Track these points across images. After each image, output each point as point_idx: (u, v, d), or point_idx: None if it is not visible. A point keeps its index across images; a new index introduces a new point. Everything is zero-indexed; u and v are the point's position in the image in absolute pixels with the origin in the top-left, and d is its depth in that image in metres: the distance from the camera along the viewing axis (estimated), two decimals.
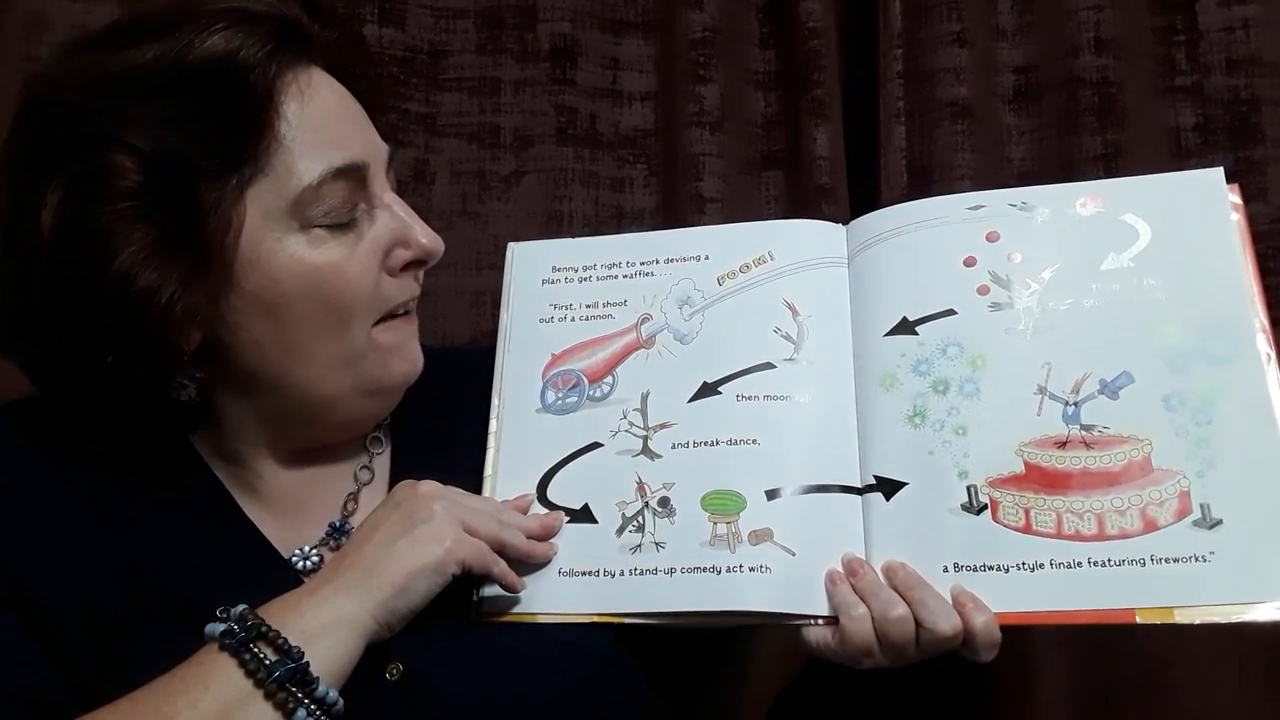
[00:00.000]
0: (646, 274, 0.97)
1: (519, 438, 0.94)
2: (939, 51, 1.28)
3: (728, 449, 0.89)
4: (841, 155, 1.28)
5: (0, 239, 0.82)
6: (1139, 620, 0.78)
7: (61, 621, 0.80)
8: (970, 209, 0.92)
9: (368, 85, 0.92)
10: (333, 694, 0.75)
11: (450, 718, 0.81)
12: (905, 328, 0.89)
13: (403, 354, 0.90)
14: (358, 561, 0.80)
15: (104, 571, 0.82)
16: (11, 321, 0.84)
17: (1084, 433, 0.83)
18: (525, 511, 0.90)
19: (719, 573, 0.85)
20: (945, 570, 0.82)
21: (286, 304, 0.83)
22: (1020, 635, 0.89)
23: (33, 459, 0.86)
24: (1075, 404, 0.84)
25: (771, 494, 0.86)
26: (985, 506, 0.83)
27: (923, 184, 1.26)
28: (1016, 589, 0.80)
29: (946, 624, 0.79)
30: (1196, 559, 0.78)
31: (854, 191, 1.28)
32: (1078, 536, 0.81)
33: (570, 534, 0.89)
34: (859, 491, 0.87)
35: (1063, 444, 0.83)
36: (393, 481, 0.91)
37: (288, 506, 0.91)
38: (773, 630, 0.87)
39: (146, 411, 0.85)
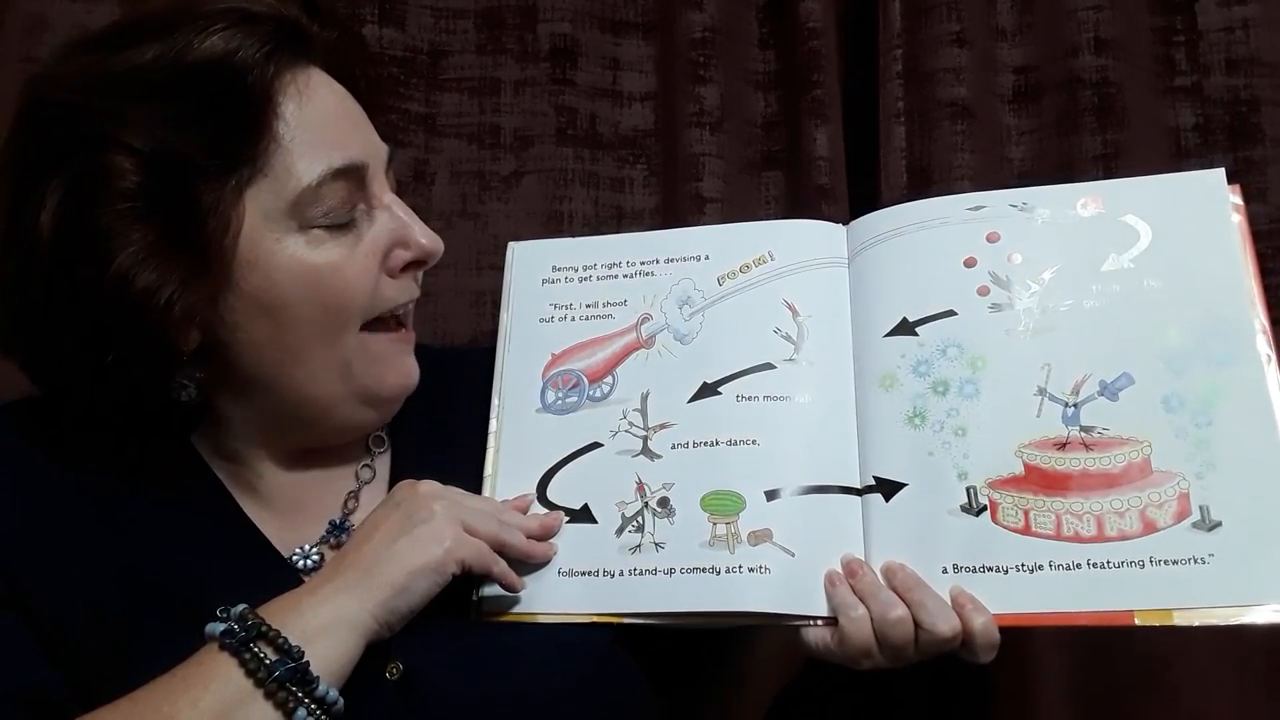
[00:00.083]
0: (646, 274, 0.97)
1: (519, 438, 0.94)
2: (939, 52, 1.28)
3: (727, 449, 0.89)
4: (841, 155, 1.28)
5: (0, 239, 0.82)
6: (1138, 622, 0.78)
7: (62, 621, 0.80)
8: (970, 209, 0.92)
9: (367, 85, 0.92)
10: (333, 693, 0.75)
11: (450, 717, 0.81)
12: (905, 328, 0.89)
13: (396, 367, 0.90)
14: (358, 561, 0.80)
15: (104, 571, 0.82)
16: (11, 321, 0.84)
17: (1083, 434, 0.83)
18: (525, 511, 0.90)
19: (718, 573, 0.85)
20: (944, 571, 0.82)
21: (285, 305, 0.83)
22: (1020, 636, 0.89)
23: (33, 459, 0.86)
24: (1075, 405, 0.84)
25: (771, 494, 0.87)
26: (985, 508, 0.83)
27: (922, 184, 1.26)
28: (1016, 590, 0.80)
29: (945, 625, 0.79)
30: (1196, 561, 0.78)
31: (854, 192, 1.28)
32: (1077, 538, 0.81)
33: (570, 534, 0.89)
34: (858, 492, 0.87)
35: (1062, 445, 0.83)
36: (393, 481, 0.91)
37: (288, 506, 0.91)
38: (772, 631, 0.87)
39: (146, 411, 0.85)
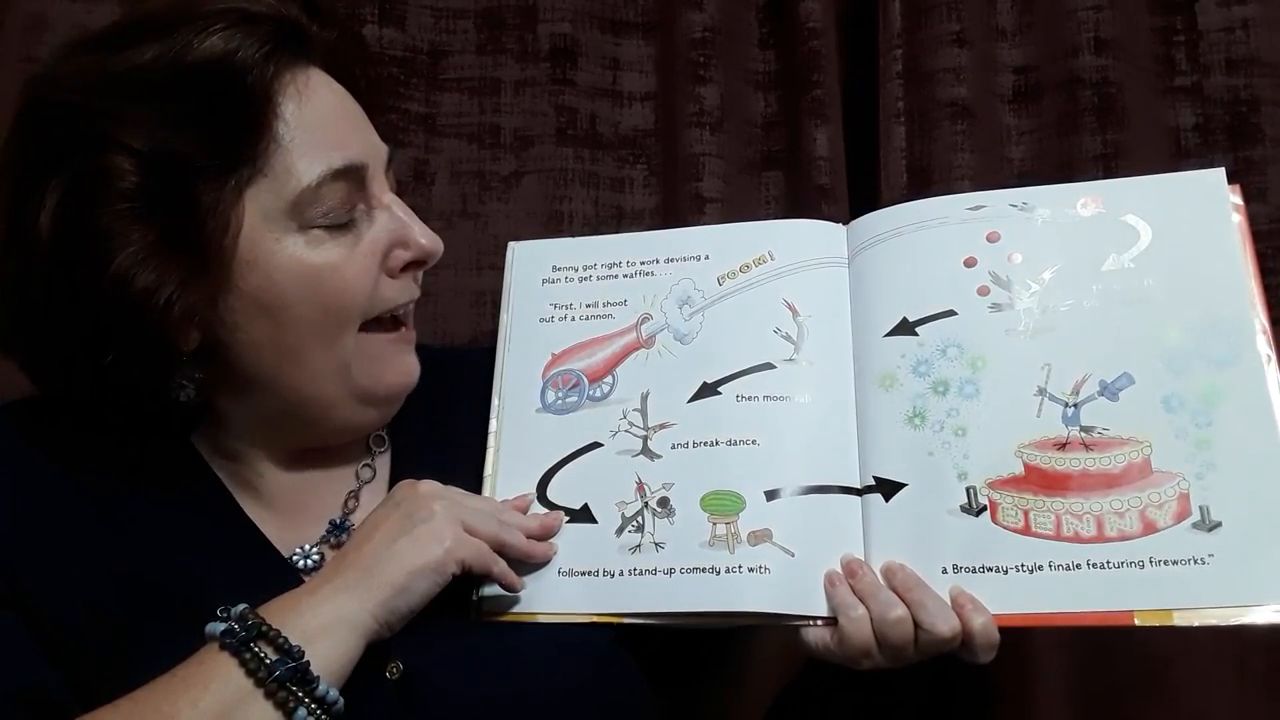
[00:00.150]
0: (646, 274, 0.97)
1: (519, 437, 0.94)
2: (939, 52, 1.28)
3: (727, 449, 0.89)
4: (841, 155, 1.28)
5: (0, 239, 0.82)
6: (1138, 622, 0.78)
7: (62, 621, 0.80)
8: (970, 209, 0.92)
9: (367, 85, 0.92)
10: (333, 693, 0.75)
11: (450, 717, 0.81)
12: (905, 328, 0.89)
13: (396, 366, 0.90)
14: (358, 561, 0.80)
15: (104, 571, 0.82)
16: (11, 321, 0.84)
17: (1083, 434, 0.83)
18: (525, 511, 0.90)
19: (718, 573, 0.85)
20: (944, 571, 0.82)
21: (285, 305, 0.83)
22: (1019, 636, 0.89)
23: (33, 459, 0.86)
24: (1075, 405, 0.84)
25: (771, 494, 0.87)
26: (984, 508, 0.83)
27: (922, 184, 1.26)
28: (1015, 590, 0.80)
29: (945, 625, 0.79)
30: (1195, 561, 0.78)
31: (854, 192, 1.28)
32: (1077, 538, 0.81)
33: (570, 534, 0.89)
34: (858, 492, 0.87)
35: (1062, 445, 0.83)
36: (393, 480, 0.91)
37: (288, 506, 0.91)
38: (771, 631, 0.87)
39: (146, 411, 0.85)
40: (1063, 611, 0.80)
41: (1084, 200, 0.90)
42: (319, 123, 0.84)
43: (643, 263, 0.98)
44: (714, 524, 0.87)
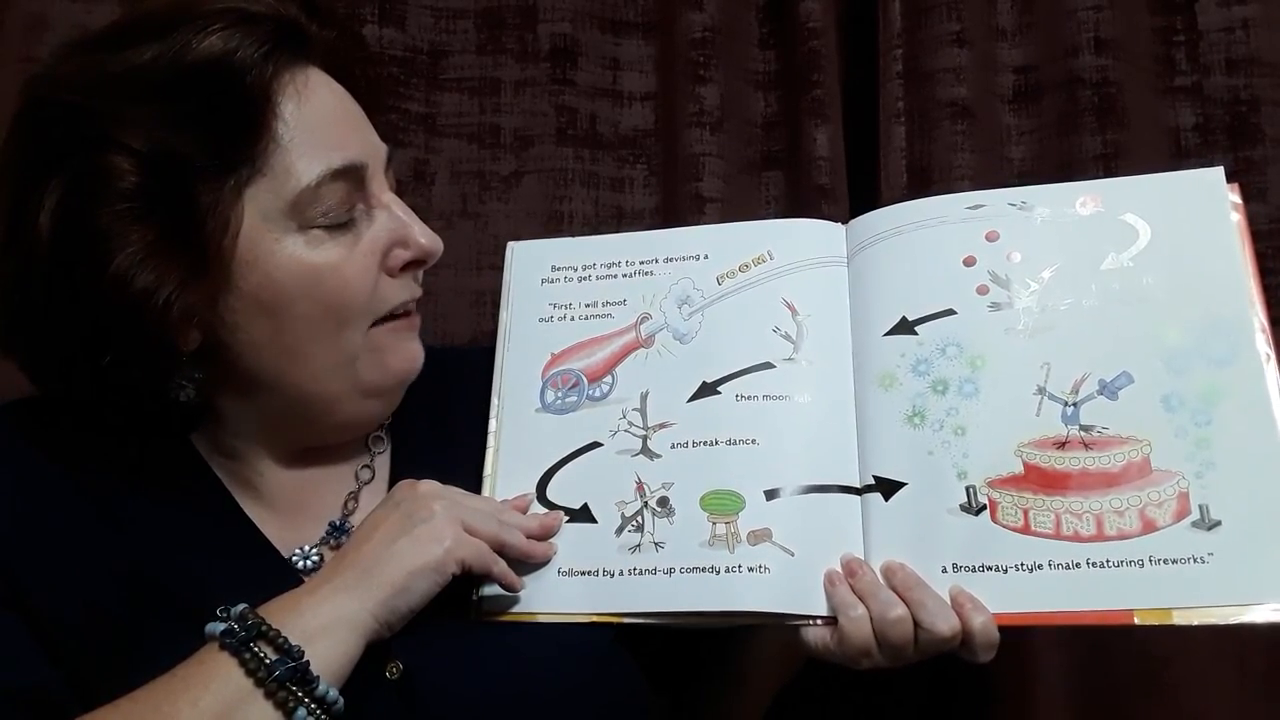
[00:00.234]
0: (646, 273, 0.97)
1: (518, 437, 0.94)
2: (939, 51, 1.28)
3: (727, 449, 0.89)
4: (841, 155, 1.28)
5: (0, 239, 0.82)
6: (1137, 621, 0.78)
7: (62, 621, 0.80)
8: (970, 209, 0.92)
9: (367, 85, 0.92)
10: (333, 693, 0.75)
11: (450, 717, 0.81)
12: (904, 327, 0.89)
13: (400, 352, 0.90)
14: (358, 560, 0.80)
15: (104, 571, 0.82)
16: (11, 321, 0.84)
17: (1083, 433, 0.83)
18: (525, 511, 0.90)
19: (718, 573, 0.85)
20: (944, 571, 0.82)
21: (285, 304, 0.83)
22: (1019, 636, 0.89)
23: (33, 459, 0.86)
24: (1074, 404, 0.84)
25: (770, 494, 0.87)
26: (984, 507, 0.83)
27: (922, 184, 1.26)
28: (1015, 590, 0.80)
29: (945, 625, 0.79)
30: (1195, 560, 0.78)
31: (854, 191, 1.28)
32: (1076, 537, 0.81)
33: (570, 534, 0.89)
34: (858, 491, 0.87)
35: (1062, 444, 0.83)
36: (393, 481, 0.91)
37: (288, 506, 0.91)
38: (771, 630, 0.87)
39: (146, 411, 0.86)
40: (1062, 610, 0.80)
41: (1083, 199, 0.90)
42: (318, 122, 0.84)
43: (642, 262, 0.98)
44: (714, 523, 0.87)
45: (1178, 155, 1.27)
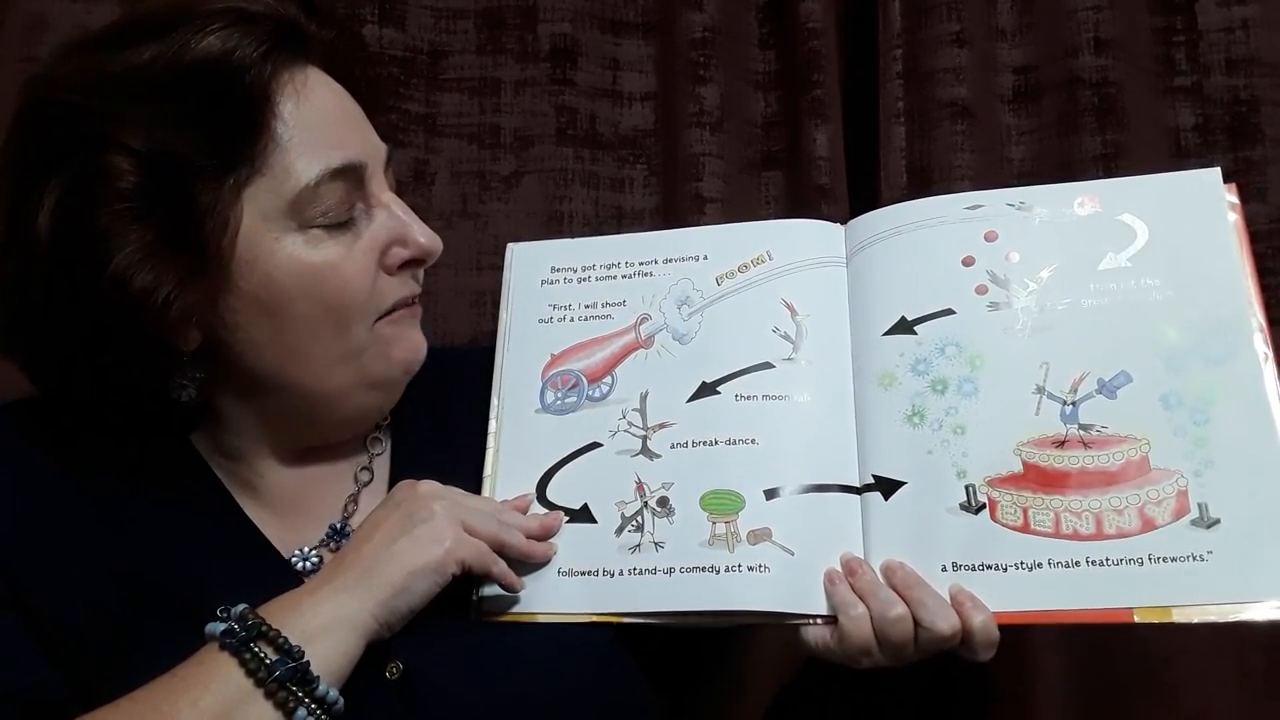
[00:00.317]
0: (645, 274, 0.98)
1: (518, 438, 0.94)
2: (939, 51, 1.28)
3: (726, 449, 0.89)
4: (841, 155, 1.28)
5: (0, 239, 0.82)
6: (1137, 619, 0.78)
7: (61, 621, 0.80)
8: (969, 209, 0.92)
9: (367, 85, 0.92)
10: (333, 693, 0.75)
11: (450, 717, 0.81)
12: (904, 327, 0.89)
13: (404, 342, 0.90)
14: (357, 561, 0.80)
15: (104, 571, 0.82)
16: (11, 321, 0.84)
17: (1082, 432, 0.83)
18: (525, 511, 0.90)
19: (718, 572, 0.85)
20: (943, 569, 0.82)
21: (285, 304, 0.83)
22: (1019, 635, 0.89)
23: (33, 459, 0.86)
24: (1073, 403, 0.84)
25: (770, 493, 0.87)
26: (983, 506, 0.83)
27: (922, 184, 1.26)
28: (1015, 588, 0.81)
29: (945, 623, 0.79)
30: (1194, 558, 0.78)
31: (854, 192, 1.28)
32: (1076, 536, 0.81)
33: (569, 534, 0.89)
34: (857, 491, 0.87)
35: (1061, 443, 0.83)
36: (392, 482, 0.91)
37: (288, 506, 0.91)
38: (771, 630, 0.87)
39: (146, 411, 0.86)
40: (1062, 609, 0.80)
41: (1081, 200, 0.90)
42: (317, 122, 0.84)
43: (641, 263, 0.98)
44: (713, 523, 0.87)
45: (1178, 155, 1.27)
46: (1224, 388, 0.81)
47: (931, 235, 0.91)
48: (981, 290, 0.89)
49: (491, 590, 0.86)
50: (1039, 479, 0.82)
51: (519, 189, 1.30)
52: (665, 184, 1.32)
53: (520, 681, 0.83)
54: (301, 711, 0.74)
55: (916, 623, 0.80)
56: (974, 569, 0.82)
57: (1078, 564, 0.80)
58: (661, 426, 0.91)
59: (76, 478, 0.85)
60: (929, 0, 1.29)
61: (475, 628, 0.86)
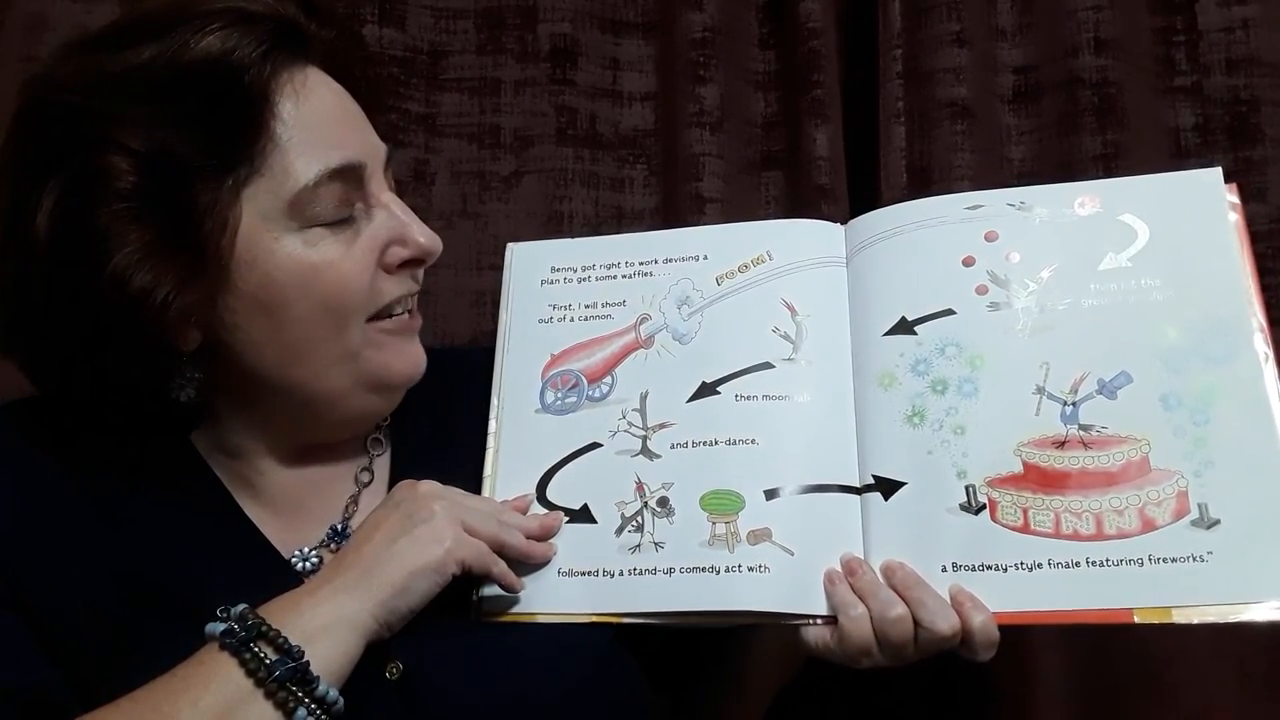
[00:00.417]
0: (645, 274, 0.98)
1: (518, 438, 0.94)
2: (939, 51, 1.28)
3: (726, 449, 0.89)
4: (841, 155, 1.28)
5: (0, 240, 0.82)
6: (1137, 620, 0.78)
7: (61, 621, 0.80)
8: (969, 209, 0.92)
9: (367, 85, 0.92)
10: (333, 693, 0.75)
11: (450, 717, 0.81)
12: (904, 327, 0.89)
13: (403, 355, 0.90)
14: (358, 561, 0.80)
15: (104, 571, 0.82)
16: (11, 321, 0.84)
17: (1082, 432, 0.83)
18: (525, 512, 0.90)
19: (718, 572, 0.85)
20: (944, 570, 0.82)
21: (284, 303, 0.83)
22: (1019, 635, 0.89)
23: (33, 459, 0.86)
24: (1073, 404, 0.84)
25: (770, 494, 0.87)
26: (983, 506, 0.83)
27: (922, 184, 1.26)
28: (1015, 589, 0.81)
29: (945, 624, 0.79)
30: (1194, 559, 0.78)
31: (854, 192, 1.28)
32: (1076, 536, 0.81)
33: (569, 534, 0.89)
34: (857, 491, 0.87)
35: (1061, 444, 0.83)
36: (393, 482, 0.91)
37: (288, 507, 0.91)
38: (771, 630, 0.87)
39: (146, 411, 0.86)
40: (1062, 609, 0.80)
41: (1081, 200, 0.90)
42: (316, 122, 0.84)
43: (641, 263, 0.98)
44: (713, 523, 0.87)
45: (1178, 155, 1.27)
46: (1224, 388, 0.81)
47: (932, 235, 0.91)
48: (982, 290, 0.89)
49: (491, 590, 0.86)
50: (1039, 479, 0.82)
51: (519, 189, 1.30)
52: (665, 184, 1.32)
53: (520, 682, 0.83)
54: (301, 711, 0.74)
55: (916, 623, 0.80)
56: (974, 569, 0.82)
57: (1078, 564, 0.80)
58: (661, 426, 0.91)
59: (76, 478, 0.85)
60: (929, 0, 1.29)
61: (475, 628, 0.86)
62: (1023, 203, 0.91)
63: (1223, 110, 1.27)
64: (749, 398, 0.90)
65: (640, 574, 0.87)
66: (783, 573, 0.84)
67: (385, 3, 1.29)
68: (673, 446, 0.90)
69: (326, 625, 0.77)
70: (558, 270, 1.00)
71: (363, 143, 0.87)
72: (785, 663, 0.99)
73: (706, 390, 0.91)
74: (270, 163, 0.82)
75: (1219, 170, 0.88)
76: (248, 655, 0.74)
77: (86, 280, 0.78)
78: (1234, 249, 0.85)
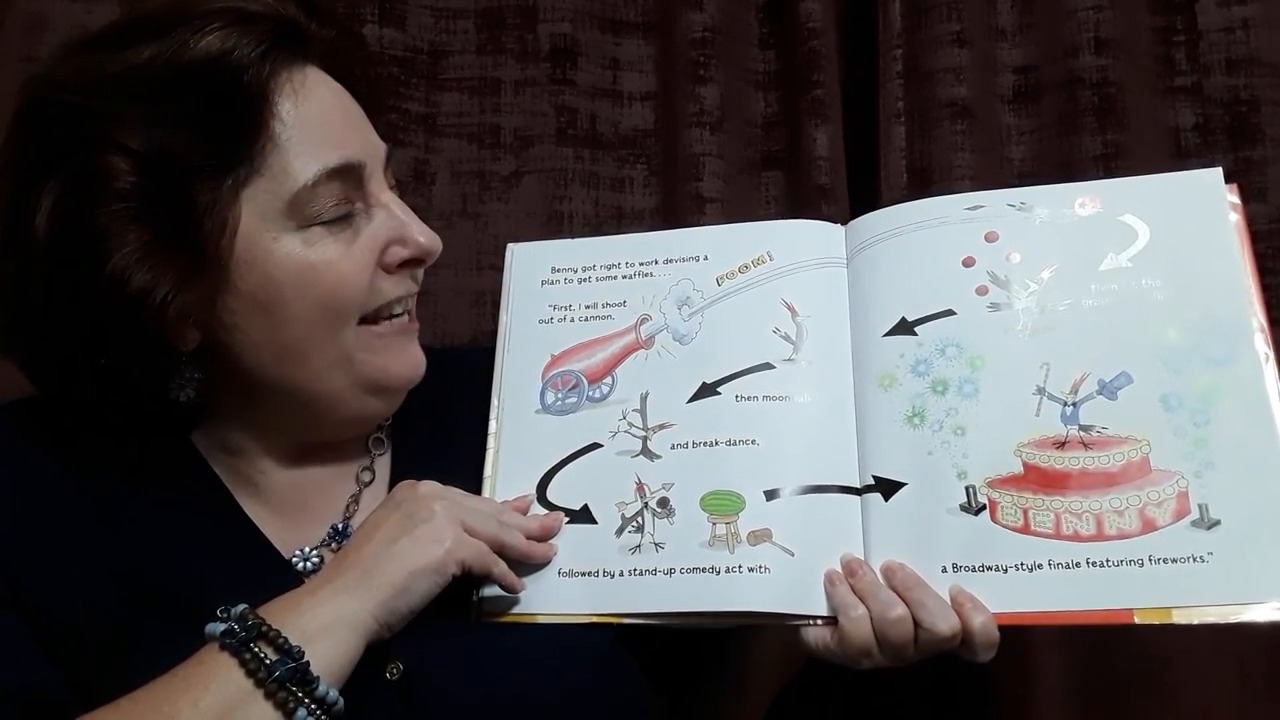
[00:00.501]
0: (646, 274, 0.97)
1: (518, 438, 0.94)
2: (939, 51, 1.28)
3: (727, 449, 0.89)
4: (841, 155, 1.28)
5: (0, 239, 0.82)
6: (1137, 620, 0.78)
7: (62, 622, 0.80)
8: (969, 209, 0.92)
9: (367, 85, 0.92)
10: (333, 693, 0.75)
11: (450, 718, 0.81)
12: (904, 328, 0.89)
13: (402, 358, 0.90)
14: (358, 561, 0.80)
15: (104, 571, 0.82)
16: (11, 321, 0.84)
17: (1082, 433, 0.83)
18: (525, 512, 0.90)
19: (718, 573, 0.85)
20: (944, 570, 0.82)
21: (282, 303, 0.83)
22: (1019, 635, 0.89)
23: (33, 459, 0.86)
24: (1074, 404, 0.84)
25: (770, 494, 0.87)
26: (984, 507, 0.83)
27: (922, 184, 1.26)
28: (1015, 589, 0.80)
29: (945, 624, 0.79)
30: (1194, 559, 0.78)
31: (854, 192, 1.28)
32: (1076, 537, 0.81)
33: (570, 534, 0.89)
34: (858, 492, 0.87)
35: (1061, 444, 0.83)
36: (393, 482, 0.91)
37: (289, 506, 0.91)
38: (771, 631, 0.87)
39: (146, 411, 0.86)
40: (1062, 610, 0.80)
41: (1082, 200, 0.90)
42: (316, 121, 0.84)
43: (642, 263, 0.98)
44: (714, 524, 0.87)
45: (1178, 155, 1.27)
46: (1225, 388, 0.81)
47: (932, 236, 0.91)
48: (982, 291, 0.89)
49: (492, 591, 0.86)
50: (1039, 480, 0.82)
51: (519, 189, 1.30)
52: (665, 184, 1.32)
53: (520, 682, 0.83)
54: (301, 712, 0.74)
55: (916, 624, 0.80)
56: (974, 570, 0.82)
57: (1078, 565, 0.80)
58: (662, 427, 0.91)
59: (77, 477, 0.85)
60: (929, 0, 1.29)
61: (475, 628, 0.86)
62: (1023, 203, 0.91)
63: (1223, 110, 1.27)
64: (749, 398, 0.90)
65: (640, 574, 0.87)
66: (783, 573, 0.84)
67: (385, 3, 1.29)
68: (673, 447, 0.90)
69: (327, 625, 0.77)
70: (558, 270, 1.00)
71: (362, 142, 0.87)
72: (785, 663, 0.99)
73: (707, 391, 0.91)
74: (270, 162, 0.82)
75: (1219, 170, 0.88)
76: (248, 655, 0.74)
77: (86, 280, 0.78)
78: (1235, 249, 0.85)
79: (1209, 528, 0.78)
